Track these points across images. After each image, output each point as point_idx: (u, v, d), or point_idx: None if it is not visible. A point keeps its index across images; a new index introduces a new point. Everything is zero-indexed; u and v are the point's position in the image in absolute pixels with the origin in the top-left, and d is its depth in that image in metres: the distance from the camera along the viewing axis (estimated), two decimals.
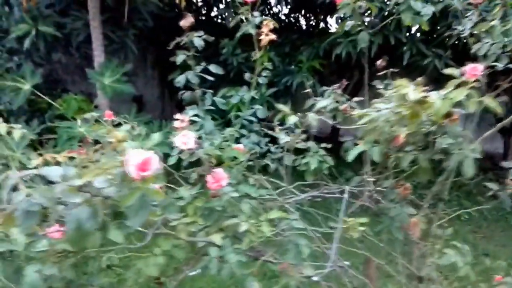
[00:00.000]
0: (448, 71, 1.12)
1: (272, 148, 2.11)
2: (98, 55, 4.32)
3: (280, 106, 1.47)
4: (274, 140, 1.99)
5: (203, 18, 7.02)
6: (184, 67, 1.80)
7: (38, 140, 4.49)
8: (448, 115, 1.16)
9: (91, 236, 0.77)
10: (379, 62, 1.63)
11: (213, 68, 1.74)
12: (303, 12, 6.96)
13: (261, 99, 3.86)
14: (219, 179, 1.40)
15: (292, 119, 1.28)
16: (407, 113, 1.10)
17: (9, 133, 1.19)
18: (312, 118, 1.23)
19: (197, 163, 1.49)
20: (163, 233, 1.36)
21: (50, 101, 3.70)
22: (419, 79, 1.18)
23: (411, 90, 1.07)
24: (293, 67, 5.83)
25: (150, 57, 7.46)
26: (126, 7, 4.49)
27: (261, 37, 1.76)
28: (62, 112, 4.48)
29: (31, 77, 4.24)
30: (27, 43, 4.21)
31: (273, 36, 1.76)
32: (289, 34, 6.24)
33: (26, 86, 4.07)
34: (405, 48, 5.49)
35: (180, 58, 1.67)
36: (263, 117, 1.84)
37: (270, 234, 1.14)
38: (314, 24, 7.00)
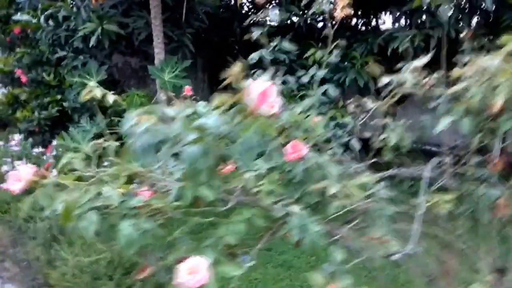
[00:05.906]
0: None
1: (339, 132, 2.06)
2: (159, 53, 4.48)
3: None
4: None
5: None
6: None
7: (101, 133, 4.73)
8: None
9: (202, 173, 0.78)
10: (463, 34, 1.55)
11: (286, 45, 1.74)
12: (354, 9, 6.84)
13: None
14: (298, 149, 1.38)
15: (386, 80, 1.23)
16: None
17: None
18: (406, 77, 1.17)
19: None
20: (244, 200, 1.36)
21: (114, 96, 3.89)
22: None
23: None
24: (346, 63, 5.72)
25: (201, 61, 7.64)
26: (184, 7, 4.64)
27: (336, 13, 1.74)
28: (124, 108, 4.68)
29: (96, 73, 4.49)
30: (93, 40, 4.46)
31: (348, 11, 1.73)
32: (341, 32, 6.15)
33: (92, 82, 4.30)
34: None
35: (256, 33, 1.68)
36: (335, 95, 1.80)
37: (361, 198, 1.10)
38: (366, 21, 6.85)
